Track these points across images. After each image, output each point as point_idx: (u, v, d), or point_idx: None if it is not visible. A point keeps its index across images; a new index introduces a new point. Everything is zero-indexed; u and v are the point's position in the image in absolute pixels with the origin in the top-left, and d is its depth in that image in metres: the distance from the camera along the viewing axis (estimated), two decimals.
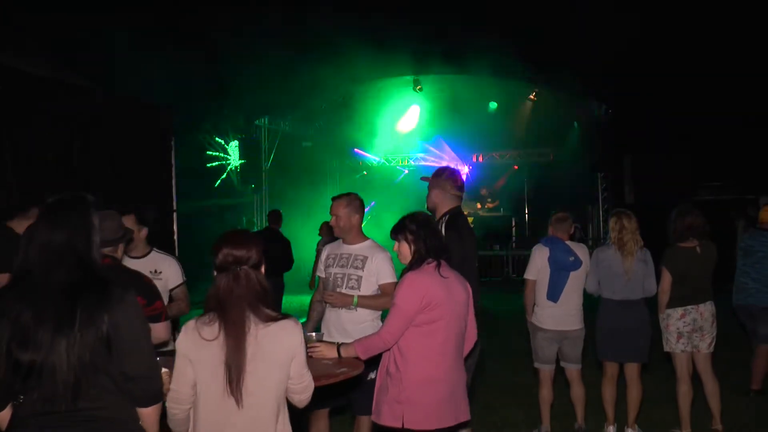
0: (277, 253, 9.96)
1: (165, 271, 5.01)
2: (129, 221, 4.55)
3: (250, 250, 3.00)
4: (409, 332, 3.72)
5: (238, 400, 2.83)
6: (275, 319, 2.94)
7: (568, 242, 5.96)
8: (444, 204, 4.87)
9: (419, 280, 3.73)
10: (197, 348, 2.86)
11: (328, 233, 11.02)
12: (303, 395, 3.08)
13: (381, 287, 4.69)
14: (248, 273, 2.96)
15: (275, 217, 10.55)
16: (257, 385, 2.87)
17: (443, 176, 4.92)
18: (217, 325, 2.87)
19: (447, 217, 4.81)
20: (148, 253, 5.00)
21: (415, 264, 3.80)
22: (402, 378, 3.72)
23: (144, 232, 4.95)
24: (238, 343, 2.84)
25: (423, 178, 5.15)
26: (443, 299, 3.70)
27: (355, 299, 4.61)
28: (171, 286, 5.05)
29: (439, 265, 3.76)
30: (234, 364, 2.83)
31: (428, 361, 3.69)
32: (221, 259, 2.96)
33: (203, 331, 2.87)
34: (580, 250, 5.97)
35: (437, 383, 3.69)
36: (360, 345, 3.90)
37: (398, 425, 3.71)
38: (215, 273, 2.97)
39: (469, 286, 3.91)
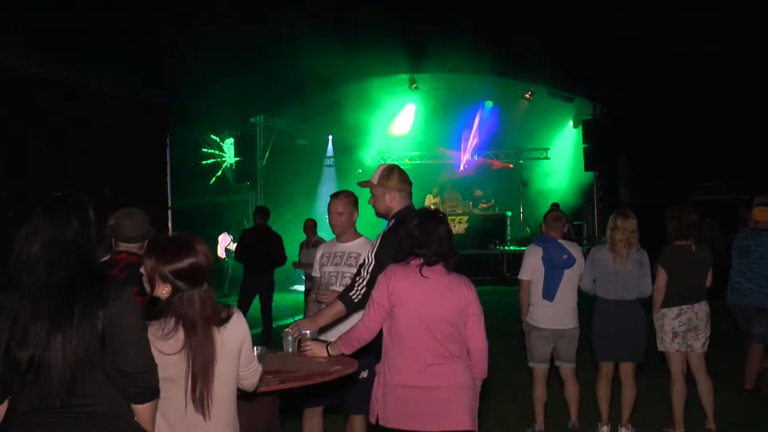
0: (269, 250, 9.94)
1: None
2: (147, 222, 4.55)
3: (209, 260, 2.96)
4: (386, 330, 3.68)
5: (204, 410, 2.84)
6: (227, 319, 2.94)
7: (560, 241, 5.98)
8: (399, 204, 4.48)
9: (391, 272, 3.65)
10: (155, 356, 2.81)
11: (314, 230, 11.01)
12: (252, 380, 3.10)
13: None
14: (209, 288, 2.94)
15: (263, 213, 10.38)
16: (219, 393, 2.89)
17: (394, 176, 4.48)
18: (180, 338, 2.84)
19: (397, 218, 4.45)
20: None
21: (398, 257, 3.74)
22: (381, 376, 3.70)
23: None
24: (208, 358, 2.84)
25: (362, 184, 4.68)
26: (409, 298, 3.57)
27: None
28: None
29: (425, 264, 3.62)
30: (201, 379, 2.83)
31: (400, 364, 3.60)
32: (188, 272, 2.88)
33: (160, 344, 2.81)
34: (574, 249, 5.98)
35: (408, 389, 3.57)
36: (341, 340, 3.88)
37: (372, 422, 3.73)
38: (173, 279, 2.87)
39: (468, 292, 3.66)
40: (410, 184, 4.54)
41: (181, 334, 2.84)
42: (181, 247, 2.92)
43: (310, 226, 10.92)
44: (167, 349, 2.82)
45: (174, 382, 2.82)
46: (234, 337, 2.95)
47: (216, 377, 2.87)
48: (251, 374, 3.09)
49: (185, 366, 2.82)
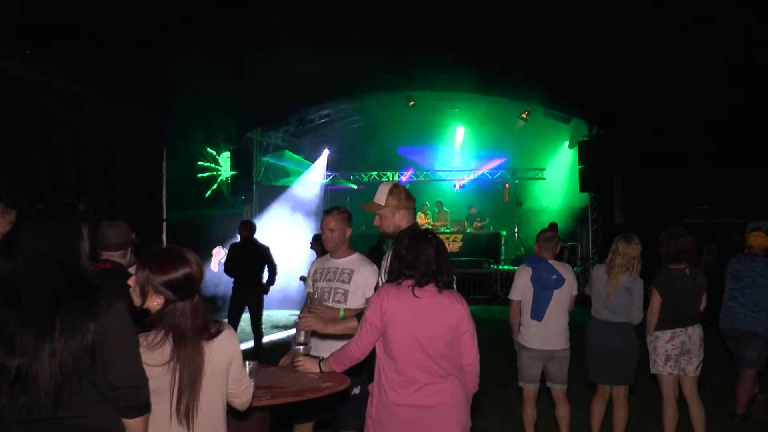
0: (257, 262, 9.95)
1: None
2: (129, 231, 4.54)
3: (202, 272, 2.96)
4: (380, 350, 3.68)
5: (189, 423, 2.82)
6: (216, 334, 2.93)
7: (551, 261, 5.99)
8: (407, 221, 4.44)
9: (384, 291, 3.66)
10: None
11: (320, 247, 11.00)
12: (243, 398, 3.09)
13: (368, 301, 4.67)
14: (201, 301, 2.94)
15: (248, 226, 10.34)
16: (206, 406, 2.86)
17: (401, 195, 4.43)
18: (167, 350, 2.82)
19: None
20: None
21: (390, 278, 3.75)
22: (375, 396, 3.70)
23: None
24: (195, 371, 2.83)
25: (366, 207, 4.58)
26: (402, 318, 3.57)
27: (341, 312, 4.58)
28: None
29: (416, 285, 3.61)
30: (189, 391, 2.82)
31: (395, 383, 3.59)
32: (181, 283, 2.87)
33: (148, 355, 2.79)
34: (564, 269, 5.99)
35: (403, 408, 3.58)
36: (332, 357, 3.88)
37: None
38: (166, 290, 2.86)
39: (461, 308, 3.65)
40: (414, 200, 4.53)
41: (168, 345, 2.82)
42: (175, 258, 2.91)
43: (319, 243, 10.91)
44: (153, 360, 2.80)
45: (159, 394, 2.79)
46: (223, 353, 2.93)
47: (202, 391, 2.85)
48: (242, 392, 3.07)
49: (170, 378, 2.81)
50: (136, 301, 2.91)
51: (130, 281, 2.92)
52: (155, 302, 2.88)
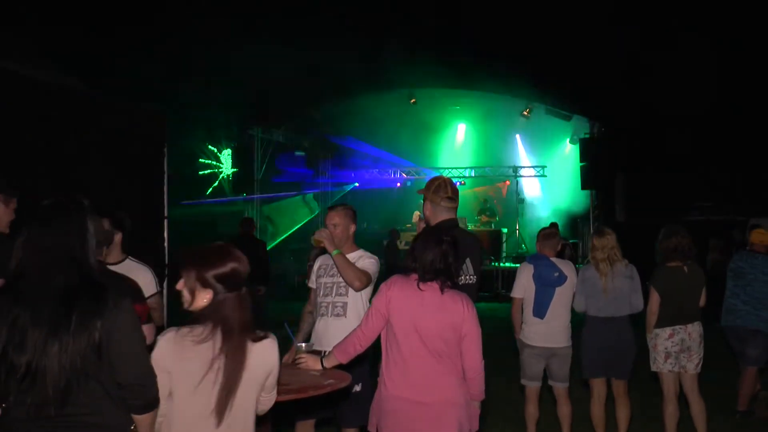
0: (256, 255, 10.02)
1: (138, 281, 4.89)
2: (104, 224, 4.46)
3: (247, 267, 2.98)
4: (383, 341, 3.73)
5: (221, 421, 2.81)
6: (261, 339, 2.93)
7: (553, 259, 5.99)
8: (435, 216, 4.60)
9: (392, 280, 3.75)
10: (179, 361, 2.79)
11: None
12: (267, 407, 3.10)
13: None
14: (247, 294, 2.95)
15: (249, 223, 10.90)
16: (238, 403, 2.85)
17: (432, 187, 4.64)
18: (212, 343, 2.81)
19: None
20: (123, 260, 4.81)
21: (402, 271, 3.80)
22: (379, 387, 3.76)
23: (119, 236, 4.80)
24: (238, 366, 2.82)
25: (420, 192, 4.89)
26: (404, 307, 3.64)
27: (336, 251, 4.64)
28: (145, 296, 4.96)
29: (422, 280, 3.66)
30: (229, 387, 2.80)
31: (394, 374, 3.66)
32: (229, 275, 2.90)
33: (192, 348, 2.79)
34: (566, 267, 5.99)
35: (399, 401, 3.63)
36: (337, 348, 3.91)
37: (372, 431, 3.82)
38: (215, 283, 2.88)
39: (465, 310, 3.67)
40: (448, 198, 4.57)
41: (216, 340, 2.81)
42: (222, 252, 2.94)
43: None
44: (199, 355, 2.79)
45: (202, 388, 2.78)
46: (263, 361, 2.93)
47: (240, 387, 2.84)
48: (269, 401, 3.08)
49: (214, 375, 2.79)
50: (187, 300, 2.90)
51: (179, 285, 2.91)
52: (204, 299, 2.88)
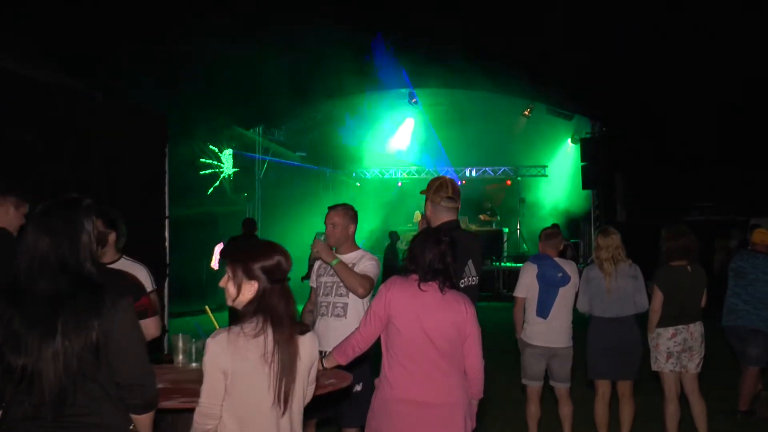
0: None
1: None
2: (98, 225, 4.44)
3: (291, 263, 3.03)
4: (383, 343, 3.71)
5: (285, 410, 2.87)
6: (304, 332, 3.01)
7: (556, 259, 5.98)
8: (436, 217, 4.57)
9: (391, 282, 3.72)
10: (237, 361, 2.82)
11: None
12: (309, 398, 3.13)
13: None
14: (288, 287, 3.00)
15: (250, 223, 11.19)
16: (296, 393, 2.93)
17: (433, 187, 4.61)
18: (264, 338, 2.85)
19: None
20: (118, 260, 4.78)
21: (401, 272, 3.79)
22: (377, 390, 3.73)
23: (113, 236, 4.77)
24: (292, 358, 2.88)
25: (422, 192, 4.86)
26: (404, 309, 3.61)
27: (335, 260, 4.63)
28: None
29: (423, 280, 3.65)
30: (287, 378, 2.86)
31: (395, 377, 3.63)
32: (274, 267, 2.94)
33: (247, 345, 2.83)
34: (569, 267, 5.99)
35: (402, 403, 3.61)
36: (336, 349, 3.89)
37: None
38: (261, 275, 2.92)
39: (467, 310, 3.67)
40: (449, 197, 4.55)
41: (269, 334, 2.86)
42: (266, 247, 3.01)
43: None
44: (253, 351, 2.83)
45: (260, 383, 2.83)
46: (310, 351, 3.01)
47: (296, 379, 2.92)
48: (310, 393, 3.11)
49: (269, 369, 2.84)
50: (231, 296, 2.95)
51: (222, 282, 2.97)
52: (249, 291, 2.91)
